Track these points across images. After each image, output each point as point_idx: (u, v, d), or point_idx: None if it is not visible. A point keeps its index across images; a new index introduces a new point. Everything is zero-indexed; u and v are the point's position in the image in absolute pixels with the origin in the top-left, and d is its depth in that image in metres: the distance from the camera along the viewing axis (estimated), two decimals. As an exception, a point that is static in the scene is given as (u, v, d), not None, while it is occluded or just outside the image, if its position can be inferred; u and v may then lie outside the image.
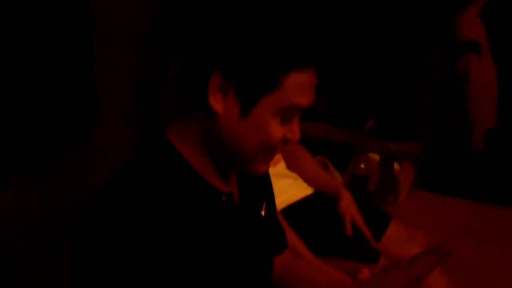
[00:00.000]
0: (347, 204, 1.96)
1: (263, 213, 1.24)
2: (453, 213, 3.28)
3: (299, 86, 0.98)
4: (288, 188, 1.99)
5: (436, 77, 3.59)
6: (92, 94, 1.71)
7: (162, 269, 0.93)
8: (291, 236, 1.76)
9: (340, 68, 3.58)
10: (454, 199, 3.42)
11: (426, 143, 3.48)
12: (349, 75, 3.60)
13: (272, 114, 0.98)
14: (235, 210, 1.11)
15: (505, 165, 3.59)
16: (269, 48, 0.95)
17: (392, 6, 3.57)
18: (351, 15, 3.62)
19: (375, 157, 2.60)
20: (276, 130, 0.99)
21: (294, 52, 0.97)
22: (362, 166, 2.41)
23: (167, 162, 1.02)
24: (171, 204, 0.97)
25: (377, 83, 3.57)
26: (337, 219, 1.93)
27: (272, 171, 1.97)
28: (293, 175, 2.06)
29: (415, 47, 3.54)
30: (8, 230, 1.45)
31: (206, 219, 1.02)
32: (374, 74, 3.59)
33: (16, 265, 1.45)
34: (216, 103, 0.98)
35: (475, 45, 3.37)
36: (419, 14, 3.54)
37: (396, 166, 2.79)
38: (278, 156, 2.04)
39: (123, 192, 0.97)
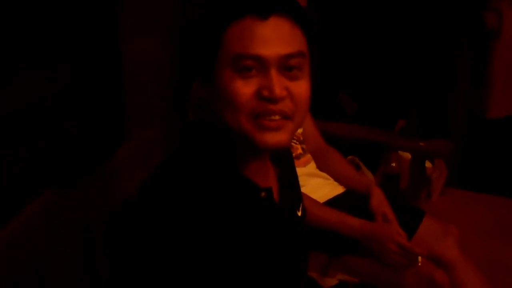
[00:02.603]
0: (379, 202, 1.97)
1: (299, 213, 1.25)
2: (488, 210, 3.25)
3: (238, 36, 0.98)
4: (319, 187, 2.01)
5: (468, 71, 3.56)
6: (121, 104, 1.76)
7: (201, 266, 0.96)
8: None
9: (369, 69, 3.60)
10: (488, 196, 3.39)
11: (459, 141, 3.47)
12: (379, 76, 3.60)
13: (229, 73, 0.98)
14: (274, 207, 1.10)
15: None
16: (205, 10, 1.00)
17: (420, 5, 3.57)
18: (379, 16, 3.62)
19: (407, 155, 2.60)
20: (240, 87, 0.97)
21: (226, 5, 1.01)
22: (393, 164, 2.42)
23: (204, 159, 1.04)
24: (210, 201, 0.99)
25: (407, 82, 3.56)
26: (369, 217, 1.94)
27: (302, 171, 2.03)
28: (324, 175, 2.09)
29: (444, 43, 3.53)
30: (40, 239, 1.49)
31: (244, 215, 1.04)
32: (404, 74, 3.58)
33: (48, 273, 1.49)
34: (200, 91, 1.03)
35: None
36: (447, 12, 3.53)
37: (428, 164, 2.79)
38: (308, 157, 2.07)
39: (162, 191, 0.99)
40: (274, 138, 0.99)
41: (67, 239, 1.55)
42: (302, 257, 1.26)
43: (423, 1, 3.56)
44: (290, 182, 1.22)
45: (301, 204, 1.26)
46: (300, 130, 2.08)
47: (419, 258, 1.82)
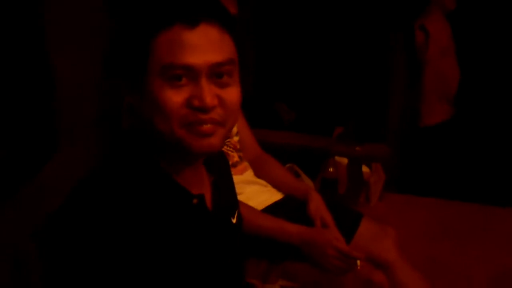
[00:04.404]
0: (316, 206, 1.97)
1: (234, 220, 1.24)
2: (427, 213, 3.32)
3: (167, 45, 0.97)
4: (257, 194, 2.01)
5: (402, 79, 3.65)
6: (51, 115, 1.71)
7: (134, 273, 0.94)
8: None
9: (305, 78, 3.64)
10: (427, 199, 3.46)
11: (396, 146, 3.53)
12: (315, 84, 3.65)
13: (158, 83, 0.97)
14: (206, 214, 1.10)
15: (472, 163, 3.65)
16: (131, 19, 1.00)
17: (355, 14, 3.64)
18: (315, 26, 3.67)
19: (344, 161, 2.64)
20: (170, 97, 0.96)
21: (154, 14, 1.00)
22: (331, 170, 2.44)
23: (135, 166, 1.03)
24: (140, 208, 0.98)
25: (343, 90, 3.62)
26: (308, 222, 1.95)
27: (240, 178, 2.02)
28: (262, 182, 2.08)
29: (378, 51, 3.61)
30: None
31: (176, 221, 1.02)
32: (340, 82, 3.64)
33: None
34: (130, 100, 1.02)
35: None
36: (381, 20, 3.61)
37: (366, 169, 2.83)
38: (245, 164, 2.07)
39: (89, 200, 0.97)
40: (206, 142, 0.99)
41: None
42: (237, 264, 1.25)
43: (358, 12, 3.64)
44: (225, 189, 1.21)
45: (236, 212, 1.25)
46: (236, 138, 2.07)
47: (358, 262, 1.83)
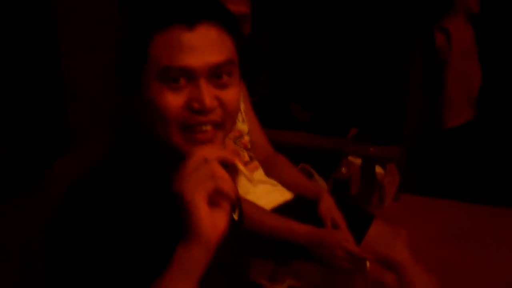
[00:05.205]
0: (327, 206, 1.96)
1: (235, 217, 1.24)
2: (442, 215, 3.28)
3: (165, 46, 0.95)
4: (267, 193, 2.00)
5: (420, 79, 3.62)
6: (61, 116, 1.73)
7: (133, 269, 0.94)
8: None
9: (321, 78, 3.63)
10: (442, 201, 3.43)
11: (413, 147, 3.51)
12: (331, 85, 3.64)
13: (157, 85, 0.96)
14: None
15: (492, 165, 3.60)
16: (130, 20, 0.98)
17: (372, 15, 3.62)
18: (331, 26, 3.66)
19: (358, 161, 2.62)
20: (169, 100, 0.95)
21: (151, 15, 0.98)
22: (344, 170, 2.43)
23: (133, 167, 1.03)
24: (139, 204, 0.98)
25: (360, 91, 3.61)
26: (318, 222, 1.94)
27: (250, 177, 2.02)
28: (272, 181, 2.07)
29: (396, 52, 3.59)
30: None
31: (175, 220, 1.02)
32: (356, 83, 3.62)
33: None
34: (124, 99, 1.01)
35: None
36: (399, 22, 3.59)
37: (380, 170, 2.81)
38: (256, 164, 2.07)
39: (89, 193, 0.98)
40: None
41: (5, 257, 1.51)
42: (240, 262, 1.24)
43: (377, 13, 3.62)
44: None
45: (237, 208, 1.24)
46: (247, 138, 2.07)
47: (367, 262, 1.82)
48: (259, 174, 2.06)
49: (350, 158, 2.60)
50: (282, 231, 1.83)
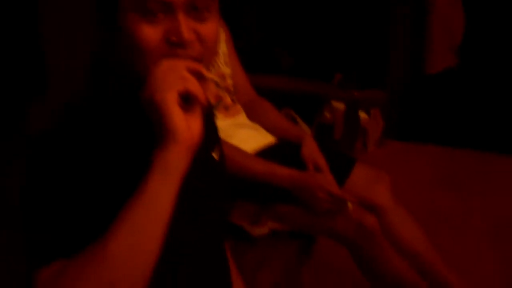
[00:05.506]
0: (310, 150, 1.95)
1: (216, 156, 1.23)
2: (425, 160, 3.32)
3: None
4: (249, 137, 1.98)
5: (404, 24, 3.59)
6: (40, 55, 1.69)
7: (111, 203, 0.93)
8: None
9: (305, 23, 3.58)
10: (428, 147, 3.46)
11: (397, 93, 3.50)
12: (315, 30, 3.59)
13: (133, 17, 0.93)
14: None
15: (475, 111, 3.62)
16: None
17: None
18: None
19: (341, 106, 2.61)
20: (147, 33, 0.93)
21: None
22: (327, 115, 2.42)
23: (110, 100, 1.02)
24: (115, 139, 0.97)
25: (344, 36, 3.57)
26: (301, 165, 1.94)
27: (232, 121, 2.00)
28: (254, 125, 2.06)
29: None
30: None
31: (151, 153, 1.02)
32: (341, 28, 3.58)
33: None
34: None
35: None
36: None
37: (364, 115, 2.81)
38: (238, 108, 2.05)
39: (69, 121, 0.97)
40: None
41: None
42: (221, 205, 1.24)
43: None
44: (204, 123, 1.19)
45: (217, 147, 1.23)
46: (230, 81, 2.05)
47: (349, 204, 1.83)
48: (241, 118, 2.04)
49: (334, 103, 2.58)
50: (265, 175, 1.82)
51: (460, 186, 3.09)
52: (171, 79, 0.89)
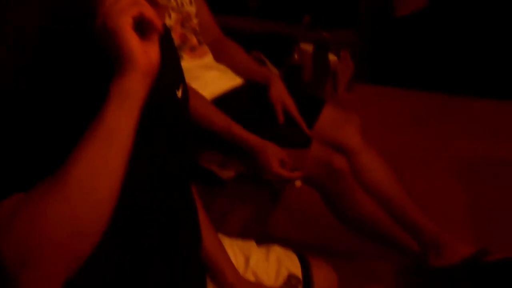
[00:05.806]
0: (278, 92, 1.92)
1: (179, 94, 1.18)
2: (397, 103, 3.32)
3: None
4: (216, 79, 1.93)
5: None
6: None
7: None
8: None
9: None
10: (398, 90, 3.45)
11: (366, 34, 3.45)
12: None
13: None
14: None
15: (444, 54, 3.61)
16: None
17: None
18: None
19: (310, 49, 2.56)
20: None
21: None
22: (296, 57, 2.37)
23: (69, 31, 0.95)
24: (73, 72, 0.91)
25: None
26: (268, 107, 1.90)
27: (199, 63, 1.94)
28: (221, 67, 2.00)
29: None
30: None
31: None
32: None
33: None
34: None
35: None
36: None
37: (334, 58, 2.77)
38: (205, 48, 1.98)
39: None
40: None
41: None
42: (183, 141, 1.20)
43: None
44: (167, 60, 1.13)
45: (181, 85, 1.18)
46: (195, 21, 1.97)
47: (297, 182, 1.82)
48: (208, 59, 1.97)
49: (303, 45, 2.53)
50: (222, 129, 1.74)
51: (428, 128, 3.11)
52: (124, 5, 0.83)
